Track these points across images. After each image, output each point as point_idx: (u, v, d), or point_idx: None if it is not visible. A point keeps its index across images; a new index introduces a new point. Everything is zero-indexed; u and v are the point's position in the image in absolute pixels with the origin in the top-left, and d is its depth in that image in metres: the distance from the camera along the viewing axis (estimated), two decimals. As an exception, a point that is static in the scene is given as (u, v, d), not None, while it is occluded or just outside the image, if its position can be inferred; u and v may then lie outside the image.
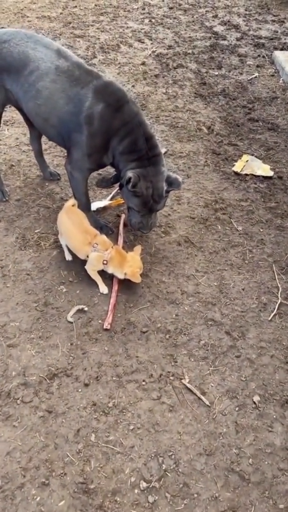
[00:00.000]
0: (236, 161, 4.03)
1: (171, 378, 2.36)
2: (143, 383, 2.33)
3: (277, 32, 6.81)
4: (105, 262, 2.68)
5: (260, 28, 6.93)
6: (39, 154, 3.54)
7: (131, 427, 2.15)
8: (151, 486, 1.96)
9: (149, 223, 2.90)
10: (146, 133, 2.71)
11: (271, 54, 6.04)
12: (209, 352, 2.50)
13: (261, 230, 3.34)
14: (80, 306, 2.64)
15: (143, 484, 1.96)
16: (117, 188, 3.56)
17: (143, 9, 7.43)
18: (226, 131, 4.46)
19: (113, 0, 7.79)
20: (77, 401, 2.23)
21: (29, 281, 2.79)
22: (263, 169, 3.95)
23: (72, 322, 2.57)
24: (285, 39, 6.57)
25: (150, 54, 5.87)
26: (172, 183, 2.78)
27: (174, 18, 7.15)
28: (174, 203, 3.51)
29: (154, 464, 2.03)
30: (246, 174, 3.89)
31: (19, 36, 2.75)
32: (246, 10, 7.65)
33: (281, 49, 6.17)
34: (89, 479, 1.96)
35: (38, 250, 3.01)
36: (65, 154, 3.86)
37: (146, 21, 6.95)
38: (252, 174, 3.89)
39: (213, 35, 6.58)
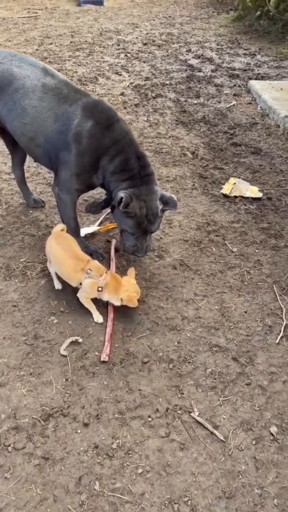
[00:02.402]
0: (223, 184, 3.97)
1: (179, 412, 2.14)
2: (149, 419, 2.10)
3: (249, 64, 7.01)
4: (100, 289, 2.49)
5: (233, 61, 7.13)
6: (21, 181, 3.38)
7: (140, 471, 1.90)
8: (167, 539, 1.71)
9: (144, 246, 2.74)
10: (138, 152, 2.59)
11: (246, 84, 6.16)
12: (217, 381, 2.30)
13: (257, 250, 3.22)
14: (74, 338, 2.42)
15: (159, 538, 1.71)
16: (106, 214, 3.42)
17: (118, 45, 7.57)
18: (211, 156, 4.43)
19: (88, 37, 7.93)
20: (77, 444, 1.98)
21: (16, 313, 2.56)
22: (252, 191, 3.89)
23: (66, 356, 2.34)
24: (258, 70, 6.75)
25: (128, 85, 5.90)
26: (168, 202, 2.65)
27: (149, 52, 7.30)
28: (166, 226, 3.37)
29: (168, 513, 1.78)
30: (235, 196, 3.82)
31: (3, 55, 2.64)
32: (217, 45, 7.89)
33: (256, 79, 6.32)
34: (96, 536, 1.70)
35: (25, 279, 2.80)
36: (49, 181, 3.73)
37: (122, 55, 7.06)
38: (241, 196, 3.82)
39: (189, 68, 6.71)
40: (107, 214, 3.42)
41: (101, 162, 2.59)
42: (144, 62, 6.84)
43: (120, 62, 6.72)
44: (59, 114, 2.55)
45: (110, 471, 1.89)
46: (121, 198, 2.51)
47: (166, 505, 1.80)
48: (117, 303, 2.53)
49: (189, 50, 7.49)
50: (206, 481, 1.89)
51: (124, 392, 2.20)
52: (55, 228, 2.66)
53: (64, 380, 2.24)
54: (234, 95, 5.88)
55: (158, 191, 2.65)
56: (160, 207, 2.63)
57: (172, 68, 6.64)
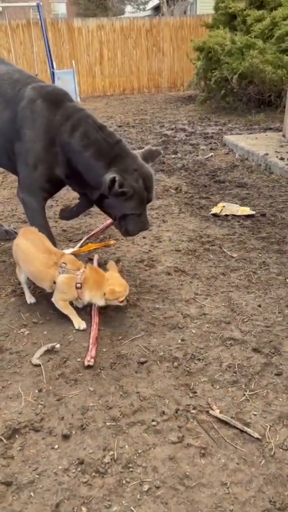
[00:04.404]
0: (211, 208, 3.70)
1: (193, 411, 1.58)
2: (153, 423, 1.53)
3: (221, 129, 7.25)
4: (78, 285, 2.04)
5: (205, 129, 7.38)
6: (-9, 211, 3.07)
7: (146, 488, 1.30)
8: None
9: (147, 218, 2.39)
10: (97, 122, 2.32)
11: (221, 140, 6.27)
12: (238, 375, 1.76)
13: (260, 255, 2.83)
14: (50, 345, 1.91)
15: None
16: (87, 237, 3.07)
17: (94, 129, 7.87)
18: (195, 190, 4.23)
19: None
20: (53, 462, 1.38)
21: (-22, 329, 2.07)
22: (243, 210, 3.61)
23: (39, 365, 1.81)
24: (230, 132, 6.95)
25: (105, 151, 5.95)
26: (152, 154, 2.33)
27: (124, 130, 7.57)
28: (154, 241, 3.01)
29: None
30: (227, 215, 3.52)
31: None
32: (189, 122, 8.27)
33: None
34: None
35: (-9, 300, 2.34)
36: (25, 219, 3.42)
37: (98, 134, 7.29)
38: (233, 215, 3.53)
39: (164, 136, 6.89)
40: (87, 238, 3.07)
41: (59, 142, 2.28)
42: (120, 136, 7.04)
43: (96, 139, 6.90)
44: (9, 100, 2.32)
45: (102, 491, 1.29)
46: (113, 179, 2.12)
47: (190, 529, 1.18)
48: (101, 302, 2.06)
49: (162, 126, 7.81)
50: (244, 492, 1.29)
51: (117, 397, 1.65)
52: (23, 228, 2.29)
53: (36, 391, 1.69)
54: (211, 149, 5.92)
55: (136, 153, 2.33)
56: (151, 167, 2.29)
57: (147, 137, 6.82)
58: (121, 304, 2.07)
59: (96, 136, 2.23)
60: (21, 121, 2.27)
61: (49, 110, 2.26)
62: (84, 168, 2.28)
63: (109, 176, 2.15)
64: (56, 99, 2.31)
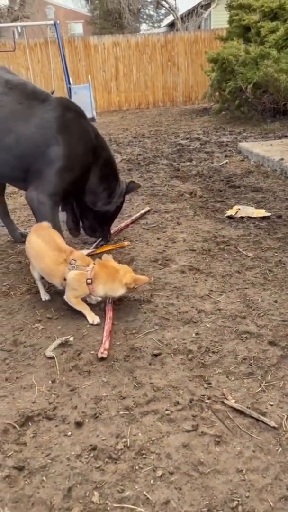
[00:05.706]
0: (226, 211, 3.68)
1: (208, 401, 1.55)
2: (167, 412, 1.50)
3: (236, 138, 7.25)
4: (89, 281, 2.04)
5: (220, 138, 7.40)
6: (4, 214, 3.11)
7: (159, 473, 1.27)
8: None
9: None
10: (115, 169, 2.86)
11: (236, 148, 6.28)
12: (254, 367, 1.73)
13: (276, 254, 2.80)
14: (64, 338, 1.91)
15: None
16: (101, 239, 3.08)
17: (110, 140, 7.97)
18: (210, 195, 4.22)
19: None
20: (66, 448, 1.37)
21: (-7, 324, 2.08)
22: (258, 212, 3.59)
23: (53, 357, 1.81)
24: (245, 140, 6.95)
25: (121, 160, 6.01)
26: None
27: (139, 141, 7.65)
28: (168, 242, 3.00)
29: (210, 527, 1.12)
30: (242, 217, 3.50)
31: None
32: (204, 132, 8.31)
33: (245, 144, 6.45)
34: None
35: (7, 298, 2.36)
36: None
37: (114, 145, 7.38)
38: (248, 216, 3.51)
39: (179, 145, 6.93)
40: (102, 240, 3.08)
41: (94, 153, 2.54)
42: (135, 146, 7.11)
43: (112, 149, 6.97)
44: (31, 107, 2.38)
45: (115, 477, 1.27)
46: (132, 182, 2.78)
47: (205, 514, 1.15)
48: (119, 292, 2.05)
49: (177, 136, 7.87)
50: (260, 479, 1.25)
51: (131, 388, 1.63)
52: (36, 225, 2.32)
53: (50, 382, 1.68)
54: (226, 156, 5.93)
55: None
56: None
57: (162, 147, 6.87)
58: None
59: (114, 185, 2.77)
60: (59, 127, 2.41)
61: (86, 124, 2.58)
62: (108, 178, 2.62)
63: (127, 181, 2.80)
64: (84, 115, 2.61)
